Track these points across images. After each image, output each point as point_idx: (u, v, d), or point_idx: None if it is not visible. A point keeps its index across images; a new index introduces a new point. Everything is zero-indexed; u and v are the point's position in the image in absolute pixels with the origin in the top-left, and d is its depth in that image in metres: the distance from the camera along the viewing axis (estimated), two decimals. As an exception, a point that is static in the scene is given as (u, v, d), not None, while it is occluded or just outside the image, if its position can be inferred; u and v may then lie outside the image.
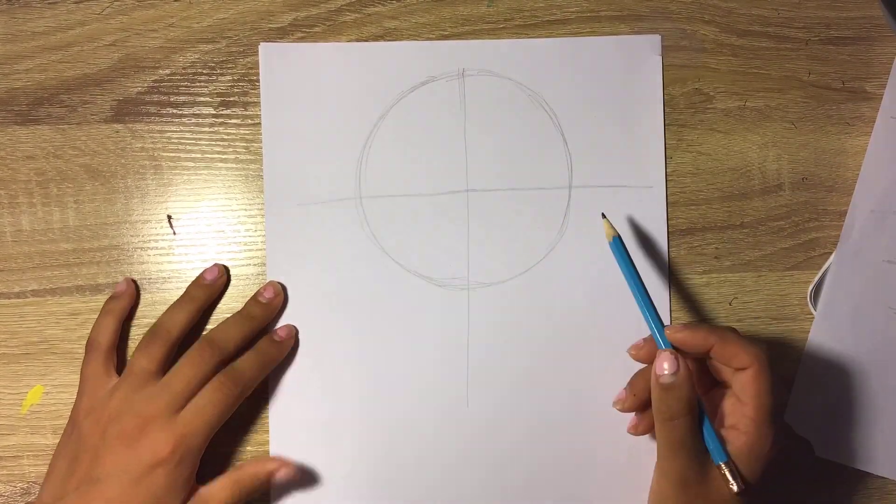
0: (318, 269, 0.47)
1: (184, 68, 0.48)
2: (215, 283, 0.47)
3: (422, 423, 0.47)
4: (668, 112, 0.49)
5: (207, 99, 0.48)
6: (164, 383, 0.43)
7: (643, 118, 0.49)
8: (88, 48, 0.48)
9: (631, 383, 0.43)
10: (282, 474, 0.45)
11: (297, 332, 0.47)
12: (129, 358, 0.47)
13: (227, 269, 0.48)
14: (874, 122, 0.49)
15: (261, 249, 0.48)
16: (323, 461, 0.47)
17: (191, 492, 0.43)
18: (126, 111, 0.48)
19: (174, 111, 0.48)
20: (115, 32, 0.48)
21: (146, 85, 0.48)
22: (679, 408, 0.39)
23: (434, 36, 0.49)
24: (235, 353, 0.45)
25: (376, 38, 0.49)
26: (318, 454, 0.47)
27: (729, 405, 0.41)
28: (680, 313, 0.49)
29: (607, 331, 0.48)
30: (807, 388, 0.48)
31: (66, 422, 0.45)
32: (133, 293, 0.47)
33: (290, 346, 0.47)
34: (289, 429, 0.47)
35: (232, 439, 0.47)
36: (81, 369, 0.45)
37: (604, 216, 0.45)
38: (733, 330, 0.41)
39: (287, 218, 0.48)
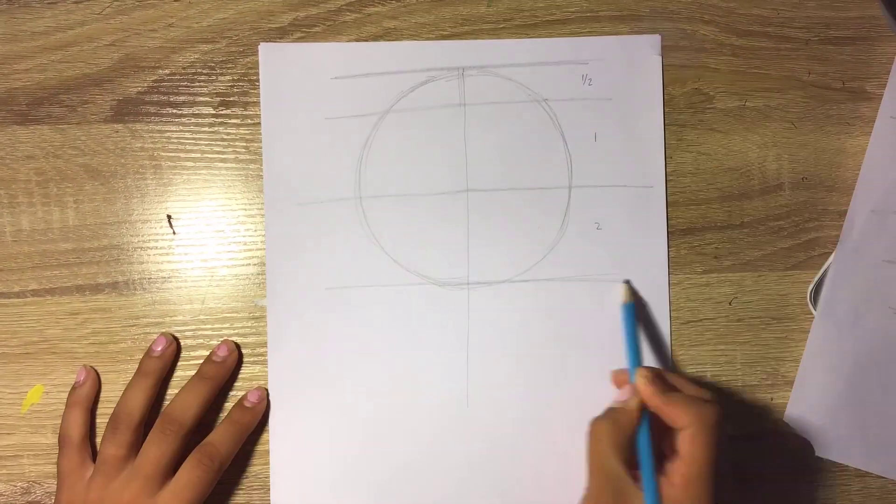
0: (317, 269, 0.47)
1: (183, 68, 0.48)
2: (165, 353, 0.46)
3: (421, 423, 0.47)
4: (668, 112, 0.49)
5: (207, 99, 0.48)
6: (135, 468, 0.43)
7: (643, 118, 0.49)
8: (88, 48, 0.48)
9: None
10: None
11: (268, 394, 0.47)
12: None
13: (175, 339, 0.47)
14: (874, 121, 0.49)
15: (260, 249, 0.48)
16: (322, 460, 0.47)
17: None
18: (126, 111, 0.48)
19: (174, 111, 0.48)
20: (114, 32, 0.48)
21: (146, 85, 0.48)
22: (608, 430, 0.41)
23: (434, 36, 0.49)
24: (197, 420, 0.45)
25: (376, 38, 0.49)
26: (318, 453, 0.47)
27: (674, 459, 0.41)
28: (680, 313, 0.49)
29: (607, 330, 0.48)
30: (807, 388, 0.48)
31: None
32: (94, 379, 0.47)
33: (262, 411, 0.46)
34: (289, 428, 0.47)
35: (232, 439, 0.47)
36: (57, 464, 0.45)
37: (627, 282, 0.47)
38: (695, 387, 0.43)
39: (287, 218, 0.48)
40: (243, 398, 0.46)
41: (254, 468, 0.47)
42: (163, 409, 0.46)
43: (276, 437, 0.47)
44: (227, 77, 0.48)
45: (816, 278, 0.49)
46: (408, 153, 0.48)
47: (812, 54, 0.50)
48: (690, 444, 0.40)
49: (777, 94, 0.50)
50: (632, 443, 0.41)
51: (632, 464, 0.41)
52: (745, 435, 0.49)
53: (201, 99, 0.48)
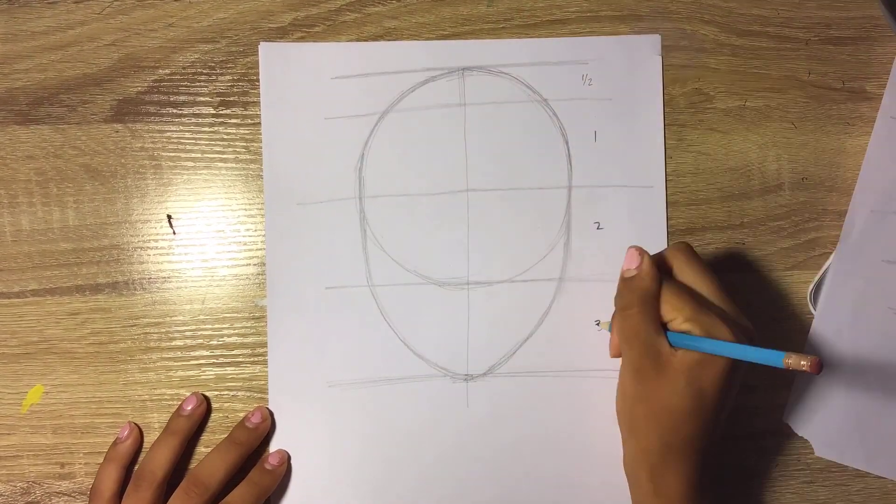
0: (317, 269, 0.47)
1: (184, 68, 0.48)
2: (195, 413, 0.46)
3: (421, 423, 0.47)
4: (668, 112, 0.49)
5: (207, 99, 0.48)
6: None
7: (643, 118, 0.49)
8: (88, 48, 0.48)
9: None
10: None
11: (289, 457, 0.47)
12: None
13: (206, 398, 0.47)
14: (874, 121, 0.49)
15: (260, 249, 0.48)
16: (323, 459, 0.47)
17: None
18: (126, 111, 0.48)
19: (174, 111, 0.48)
20: (114, 32, 0.48)
21: (146, 85, 0.48)
22: (632, 298, 0.41)
23: (434, 36, 0.49)
24: (223, 484, 0.45)
25: (376, 37, 0.49)
26: (318, 452, 0.47)
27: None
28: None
29: (607, 328, 0.48)
30: (807, 388, 0.48)
31: (67, 418, 0.45)
32: (137, 438, 0.47)
33: (282, 474, 0.46)
34: (289, 428, 0.47)
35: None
36: None
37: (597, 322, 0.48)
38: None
39: (287, 218, 0.48)
40: (264, 459, 0.46)
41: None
42: (190, 470, 0.45)
43: (277, 436, 0.47)
44: (228, 77, 0.48)
45: (816, 278, 0.49)
46: (408, 153, 0.48)
47: (812, 54, 0.50)
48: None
49: (777, 94, 0.50)
50: (657, 304, 0.41)
51: (658, 328, 0.40)
52: (745, 435, 0.49)
53: (201, 99, 0.48)
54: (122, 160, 0.48)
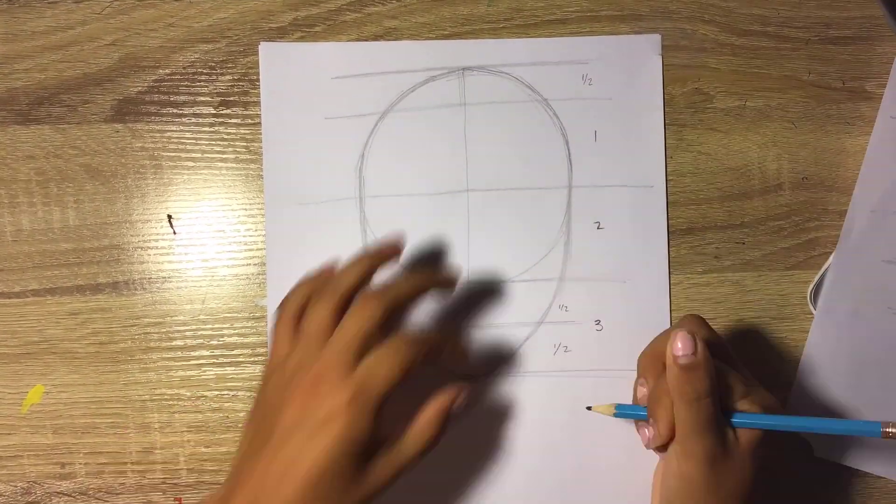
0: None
1: (184, 68, 0.48)
2: (394, 252, 0.44)
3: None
4: (668, 112, 0.49)
5: (207, 98, 0.48)
6: (332, 341, 0.40)
7: (643, 118, 0.49)
8: (89, 48, 0.48)
9: (651, 412, 0.41)
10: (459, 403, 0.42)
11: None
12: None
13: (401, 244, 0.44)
14: (874, 121, 0.49)
15: (261, 249, 0.48)
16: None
17: (372, 451, 0.39)
18: (126, 111, 0.48)
19: (174, 111, 0.48)
20: (115, 32, 0.48)
21: (146, 84, 0.48)
22: (704, 386, 0.38)
23: (434, 35, 0.49)
24: (407, 301, 0.42)
25: (376, 37, 0.49)
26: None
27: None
28: (680, 313, 0.49)
29: (608, 330, 0.48)
30: (807, 388, 0.48)
31: (67, 418, 0.45)
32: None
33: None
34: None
35: (232, 439, 0.47)
36: (272, 329, 0.43)
37: (589, 408, 0.44)
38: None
39: (287, 218, 0.48)
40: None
41: (254, 468, 0.47)
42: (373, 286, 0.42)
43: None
44: (228, 77, 0.48)
45: (816, 278, 0.49)
46: (408, 153, 0.48)
47: (812, 54, 0.50)
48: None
49: (777, 94, 0.50)
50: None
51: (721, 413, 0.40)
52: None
53: (202, 99, 0.48)
54: (123, 160, 0.48)
